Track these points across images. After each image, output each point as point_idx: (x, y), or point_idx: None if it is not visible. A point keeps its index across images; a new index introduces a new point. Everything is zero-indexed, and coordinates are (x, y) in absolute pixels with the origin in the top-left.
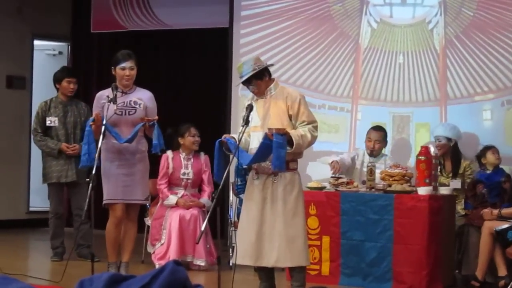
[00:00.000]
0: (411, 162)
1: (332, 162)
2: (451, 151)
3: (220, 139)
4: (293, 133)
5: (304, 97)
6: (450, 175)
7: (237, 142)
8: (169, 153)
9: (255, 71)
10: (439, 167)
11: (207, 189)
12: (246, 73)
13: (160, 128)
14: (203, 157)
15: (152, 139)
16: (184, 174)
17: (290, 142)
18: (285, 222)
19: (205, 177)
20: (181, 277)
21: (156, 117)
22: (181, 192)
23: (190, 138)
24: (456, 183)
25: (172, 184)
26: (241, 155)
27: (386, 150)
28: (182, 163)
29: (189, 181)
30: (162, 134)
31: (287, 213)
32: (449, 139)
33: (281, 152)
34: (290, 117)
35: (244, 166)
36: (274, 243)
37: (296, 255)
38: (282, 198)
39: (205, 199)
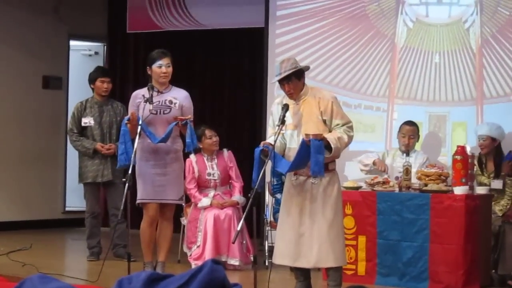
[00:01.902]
0: (448, 161)
1: (374, 162)
2: (494, 151)
3: (261, 148)
4: (330, 137)
5: (336, 98)
6: (492, 175)
7: (273, 148)
8: (192, 157)
9: (296, 69)
10: (482, 165)
11: (237, 184)
12: (285, 70)
13: (195, 128)
14: (226, 153)
15: (186, 138)
16: (209, 174)
17: (327, 146)
18: (327, 222)
19: (232, 173)
20: (220, 276)
21: (189, 116)
22: (211, 192)
23: (208, 140)
24: (498, 184)
25: (201, 186)
26: (278, 163)
27: (423, 149)
28: (206, 164)
29: (217, 181)
30: (195, 133)
31: (328, 214)
32: (493, 139)
33: (319, 157)
34: (324, 121)
35: (283, 175)
36: (314, 244)
37: (338, 255)
38: (323, 199)
39: (237, 196)
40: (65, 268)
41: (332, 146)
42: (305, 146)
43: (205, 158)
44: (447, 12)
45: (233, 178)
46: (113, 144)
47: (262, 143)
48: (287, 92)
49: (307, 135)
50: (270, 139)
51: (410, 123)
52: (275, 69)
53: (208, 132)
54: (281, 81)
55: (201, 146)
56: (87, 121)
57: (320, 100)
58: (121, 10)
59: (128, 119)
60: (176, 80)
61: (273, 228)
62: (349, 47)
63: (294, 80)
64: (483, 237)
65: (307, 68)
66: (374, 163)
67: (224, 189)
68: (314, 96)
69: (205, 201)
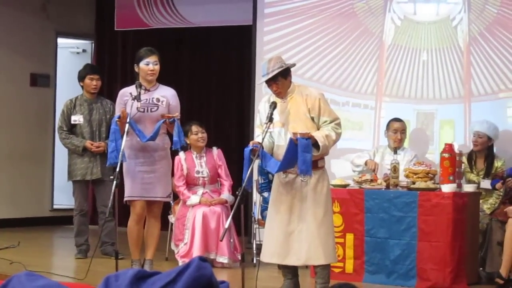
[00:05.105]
0: (435, 159)
1: (366, 162)
2: (487, 150)
3: (250, 148)
4: (318, 135)
5: (323, 95)
6: (481, 173)
7: (261, 146)
8: (181, 154)
9: (282, 68)
10: (472, 162)
11: (226, 183)
12: (272, 70)
13: (182, 126)
14: (215, 151)
15: (173, 136)
16: (198, 172)
17: (315, 144)
18: (317, 220)
19: (221, 171)
20: (207, 273)
21: (176, 114)
22: (200, 190)
23: (194, 136)
24: (487, 183)
25: (190, 184)
26: (268, 163)
27: (410, 146)
28: (195, 162)
29: (205, 178)
30: (183, 131)
31: (318, 212)
32: (489, 138)
33: (307, 156)
34: (312, 118)
35: (273, 174)
36: (304, 242)
37: (328, 252)
38: (313, 197)
39: (226, 194)
40: (52, 266)
41: (320, 144)
42: (293, 145)
43: (194, 156)
44: (435, 9)
45: (222, 176)
46: (102, 142)
47: (251, 142)
48: (275, 92)
49: (294, 133)
50: (258, 138)
51: (398, 119)
52: (262, 69)
53: (194, 128)
54: (268, 81)
55: (188, 142)
56: (77, 118)
57: (307, 97)
58: (109, 7)
59: (119, 117)
60: (163, 78)
61: (261, 226)
62: (337, 44)
63: (281, 79)
64: (470, 235)
65: (293, 65)
66: (365, 163)
67: (212, 187)
68: (301, 93)
69: (194, 199)
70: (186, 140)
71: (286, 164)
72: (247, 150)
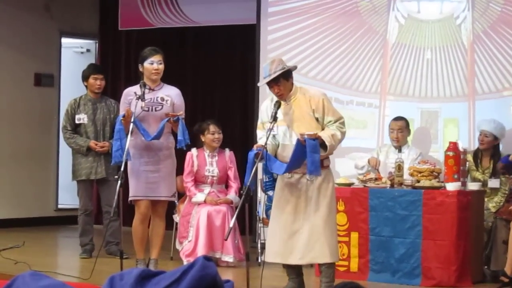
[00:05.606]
0: (440, 157)
1: (369, 160)
2: (493, 149)
3: (255, 152)
4: (324, 135)
5: (326, 95)
6: (487, 171)
7: (266, 149)
8: (194, 151)
9: (284, 69)
10: (478, 160)
11: (234, 185)
12: (274, 71)
13: (186, 124)
14: (227, 153)
15: (177, 135)
16: (208, 171)
17: (322, 144)
18: (322, 219)
19: (231, 173)
20: (211, 272)
21: (181, 113)
22: (207, 189)
23: (210, 136)
24: (495, 183)
25: (198, 181)
26: (273, 165)
27: (414, 145)
28: (206, 160)
29: (214, 178)
30: (187, 130)
31: (323, 211)
32: (495, 138)
33: (315, 157)
34: (316, 119)
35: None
36: (309, 240)
37: (333, 250)
38: (317, 196)
39: (232, 195)
40: (57, 266)
41: (327, 144)
42: (300, 146)
43: (206, 154)
44: (438, 8)
45: (231, 178)
46: (107, 141)
47: (255, 146)
48: (277, 94)
49: (301, 134)
50: (261, 140)
51: (397, 118)
52: (264, 71)
53: (212, 128)
54: (269, 83)
55: (203, 140)
56: (81, 118)
57: (311, 98)
58: (112, 7)
59: (123, 116)
60: (167, 77)
61: (265, 225)
62: (341, 43)
63: (283, 81)
64: (475, 233)
65: (295, 67)
66: (368, 162)
67: (220, 188)
68: (304, 94)
69: (199, 196)
70: (202, 137)
71: (294, 165)
72: (251, 154)
